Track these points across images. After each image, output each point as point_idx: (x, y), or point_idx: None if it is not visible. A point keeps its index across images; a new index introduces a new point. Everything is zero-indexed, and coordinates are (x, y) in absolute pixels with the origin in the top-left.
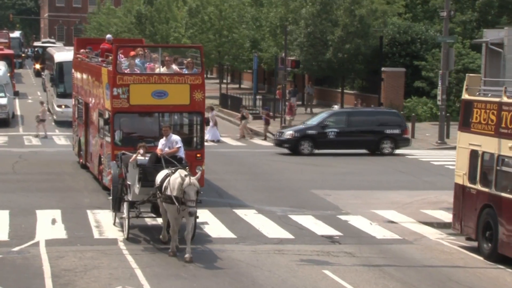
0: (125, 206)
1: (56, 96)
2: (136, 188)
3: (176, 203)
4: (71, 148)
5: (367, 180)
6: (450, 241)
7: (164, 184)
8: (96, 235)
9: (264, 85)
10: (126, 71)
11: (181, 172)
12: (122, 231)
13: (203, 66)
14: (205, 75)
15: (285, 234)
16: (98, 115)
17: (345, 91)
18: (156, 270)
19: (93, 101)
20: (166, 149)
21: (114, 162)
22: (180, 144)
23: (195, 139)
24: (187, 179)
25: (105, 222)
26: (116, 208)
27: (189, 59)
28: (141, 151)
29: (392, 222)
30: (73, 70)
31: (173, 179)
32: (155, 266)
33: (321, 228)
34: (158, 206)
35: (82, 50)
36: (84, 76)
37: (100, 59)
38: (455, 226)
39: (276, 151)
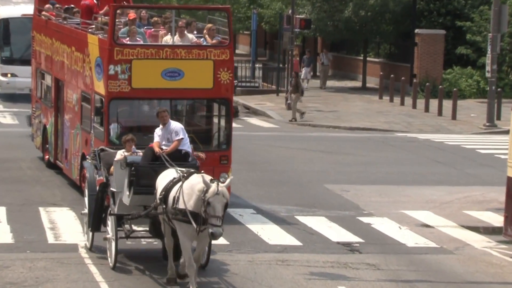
0: (110, 222)
1: (0, 61)
2: (126, 196)
3: (193, 222)
4: (19, 128)
5: (395, 171)
6: (500, 251)
7: (173, 193)
8: (50, 239)
9: (265, 51)
10: (125, 41)
11: (203, 176)
12: (93, 251)
13: (232, 35)
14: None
15: (290, 240)
16: (81, 99)
17: (368, 59)
18: (126, 285)
19: (71, 79)
20: (164, 142)
21: (89, 162)
22: (182, 135)
23: (219, 135)
24: (213, 186)
25: (62, 223)
26: (95, 226)
27: (209, 25)
28: (129, 147)
29: (427, 226)
30: (34, 33)
31: (190, 186)
32: (125, 279)
33: (336, 232)
34: (159, 224)
35: (47, 6)
36: (55, 43)
37: (80, 20)
38: (507, 232)
39: (280, 134)
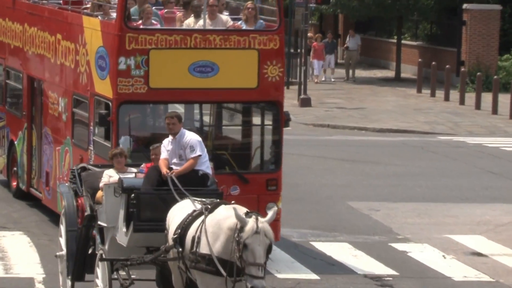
0: (100, 269)
1: None
2: (122, 234)
3: (223, 271)
4: None
5: (437, 185)
6: None
7: (192, 232)
8: (0, 272)
9: None
10: (137, 25)
11: (236, 208)
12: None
13: (282, 16)
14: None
15: (305, 273)
16: (72, 104)
17: (403, 42)
18: None
19: (56, 78)
20: (175, 160)
21: (66, 185)
22: (200, 151)
23: (266, 153)
24: (250, 222)
25: (14, 251)
26: (77, 274)
27: (250, 2)
28: (119, 164)
29: (479, 254)
30: None
31: (216, 222)
32: None
33: (363, 263)
34: (171, 274)
35: None
36: (29, 30)
37: None
38: None
39: (292, 137)
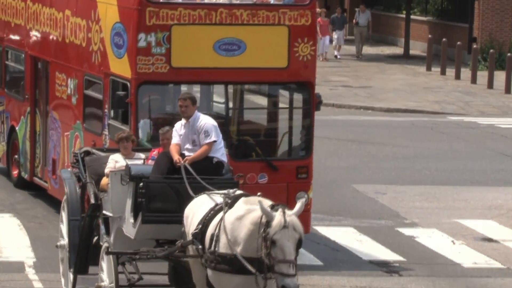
0: (105, 263)
1: None
2: (129, 225)
3: (251, 269)
4: None
5: (447, 168)
6: None
7: (210, 229)
8: None
9: None
10: None
11: (260, 201)
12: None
13: None
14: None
15: (308, 259)
16: (83, 85)
17: (412, 17)
18: None
19: (64, 57)
20: (188, 146)
21: (69, 171)
22: (215, 136)
23: (296, 138)
24: (278, 216)
25: (3, 234)
26: (80, 266)
27: None
28: (125, 150)
29: (490, 240)
30: None
31: (236, 217)
32: None
33: (369, 248)
34: (185, 271)
35: None
36: (33, 6)
37: None
38: None
39: None
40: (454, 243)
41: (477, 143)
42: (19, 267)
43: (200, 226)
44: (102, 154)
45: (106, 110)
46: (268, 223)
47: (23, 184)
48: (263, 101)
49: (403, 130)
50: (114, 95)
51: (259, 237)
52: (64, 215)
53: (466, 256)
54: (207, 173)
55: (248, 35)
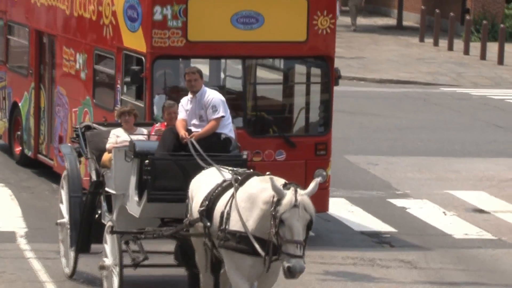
0: (108, 241)
1: None
2: (134, 203)
3: (260, 250)
4: None
5: (439, 139)
6: None
7: (220, 206)
8: None
9: None
10: None
11: (273, 179)
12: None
13: None
14: None
15: None
16: (94, 60)
17: None
18: (80, 286)
19: (72, 31)
20: (195, 121)
21: (69, 145)
22: (223, 112)
23: (314, 114)
24: (289, 194)
25: None
26: (82, 245)
27: None
28: (127, 124)
29: (481, 211)
30: None
31: (249, 195)
32: (78, 279)
33: (360, 219)
34: (192, 249)
35: None
36: None
37: None
38: None
39: None
40: (445, 214)
41: (469, 114)
42: (10, 237)
43: (206, 202)
44: (103, 128)
45: (118, 86)
46: (278, 201)
47: (26, 162)
48: (280, 76)
49: (395, 101)
50: (127, 70)
51: (269, 216)
52: (63, 192)
53: (457, 227)
54: (215, 150)
55: (266, 8)
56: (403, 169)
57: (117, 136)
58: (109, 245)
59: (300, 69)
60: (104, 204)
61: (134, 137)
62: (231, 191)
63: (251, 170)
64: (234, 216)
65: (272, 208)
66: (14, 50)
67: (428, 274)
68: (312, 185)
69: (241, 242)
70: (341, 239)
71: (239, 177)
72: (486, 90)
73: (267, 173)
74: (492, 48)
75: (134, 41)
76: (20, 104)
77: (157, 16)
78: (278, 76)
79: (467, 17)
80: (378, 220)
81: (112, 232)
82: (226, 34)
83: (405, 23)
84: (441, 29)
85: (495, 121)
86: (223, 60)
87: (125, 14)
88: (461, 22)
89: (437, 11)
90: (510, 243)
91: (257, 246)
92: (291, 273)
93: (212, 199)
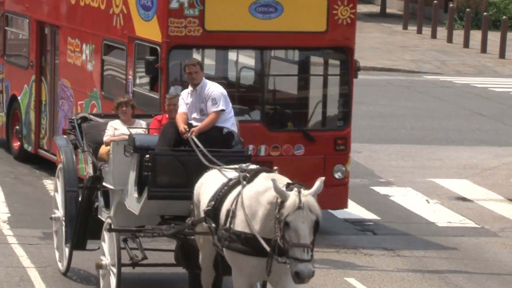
0: (106, 239)
1: None
2: (133, 199)
3: (267, 248)
4: None
5: (422, 127)
6: None
7: (226, 205)
8: None
9: None
10: None
11: (274, 179)
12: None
13: None
14: None
15: None
16: (102, 51)
17: None
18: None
19: (78, 22)
20: (195, 115)
21: (64, 137)
22: (224, 105)
23: (333, 107)
24: (292, 196)
25: None
26: (78, 241)
27: None
28: (125, 115)
29: (464, 199)
30: None
31: (255, 195)
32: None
33: None
34: (193, 250)
35: None
36: None
37: None
38: None
39: None
40: (428, 202)
41: (452, 103)
42: None
43: (212, 202)
44: (101, 120)
45: (130, 77)
46: (282, 204)
47: (25, 157)
48: (298, 67)
49: (379, 89)
50: (140, 61)
51: (273, 218)
52: (59, 184)
53: (441, 215)
54: (216, 145)
55: None
56: (386, 157)
57: (115, 129)
58: (107, 243)
59: (318, 60)
60: (101, 199)
61: (133, 131)
62: (238, 189)
63: (258, 166)
64: (239, 215)
65: (276, 211)
66: (12, 42)
67: (411, 262)
68: (316, 184)
69: (246, 244)
70: (324, 226)
71: (247, 174)
72: (469, 78)
73: (275, 168)
74: (475, 36)
75: (148, 30)
76: (19, 98)
77: (174, 4)
78: (295, 68)
79: (451, 4)
80: (361, 208)
81: (110, 230)
82: (244, 23)
83: (388, 10)
84: (425, 17)
85: (478, 109)
86: (240, 50)
87: (138, 3)
88: (445, 10)
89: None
90: (493, 231)
91: (265, 245)
92: (299, 278)
93: (218, 198)
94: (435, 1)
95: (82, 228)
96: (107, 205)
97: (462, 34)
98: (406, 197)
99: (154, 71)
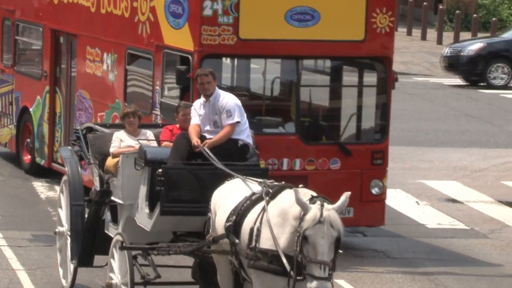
0: (116, 257)
1: None
2: (144, 215)
3: (287, 265)
4: None
5: (412, 129)
6: None
7: (249, 222)
8: None
9: None
10: None
11: (297, 191)
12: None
13: None
14: None
15: None
16: (126, 61)
17: None
18: (52, 274)
19: (99, 31)
20: (208, 127)
21: (68, 148)
22: (238, 117)
23: (370, 120)
24: (313, 209)
25: None
26: (84, 258)
27: None
28: (131, 126)
29: (454, 201)
30: None
31: (282, 211)
32: (50, 267)
33: None
34: (212, 267)
35: None
36: None
37: None
38: None
39: None
40: (418, 204)
41: (442, 104)
42: None
43: (234, 217)
44: (107, 130)
45: (157, 87)
46: (303, 216)
47: (36, 171)
48: (332, 77)
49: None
50: (169, 70)
51: (295, 233)
52: (63, 198)
53: (430, 217)
54: (231, 157)
55: (322, 4)
56: None
57: (121, 140)
58: (117, 261)
59: (355, 70)
60: (108, 214)
61: (142, 143)
62: (261, 204)
63: (283, 183)
64: (265, 233)
65: (297, 224)
66: (23, 52)
67: (401, 263)
68: (342, 199)
69: (274, 262)
70: None
71: (270, 190)
72: (459, 81)
73: (300, 185)
74: (465, 37)
75: (178, 38)
76: (31, 109)
77: (207, 11)
78: (328, 78)
79: (440, 6)
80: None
81: (122, 248)
82: (280, 31)
83: None
84: (415, 18)
85: (468, 111)
86: (275, 60)
87: (167, 10)
88: (435, 12)
89: (411, 0)
90: (482, 233)
91: (286, 263)
92: None
93: (240, 213)
94: (425, 3)
95: (89, 243)
96: (115, 220)
97: (452, 36)
98: (396, 199)
99: (186, 81)
